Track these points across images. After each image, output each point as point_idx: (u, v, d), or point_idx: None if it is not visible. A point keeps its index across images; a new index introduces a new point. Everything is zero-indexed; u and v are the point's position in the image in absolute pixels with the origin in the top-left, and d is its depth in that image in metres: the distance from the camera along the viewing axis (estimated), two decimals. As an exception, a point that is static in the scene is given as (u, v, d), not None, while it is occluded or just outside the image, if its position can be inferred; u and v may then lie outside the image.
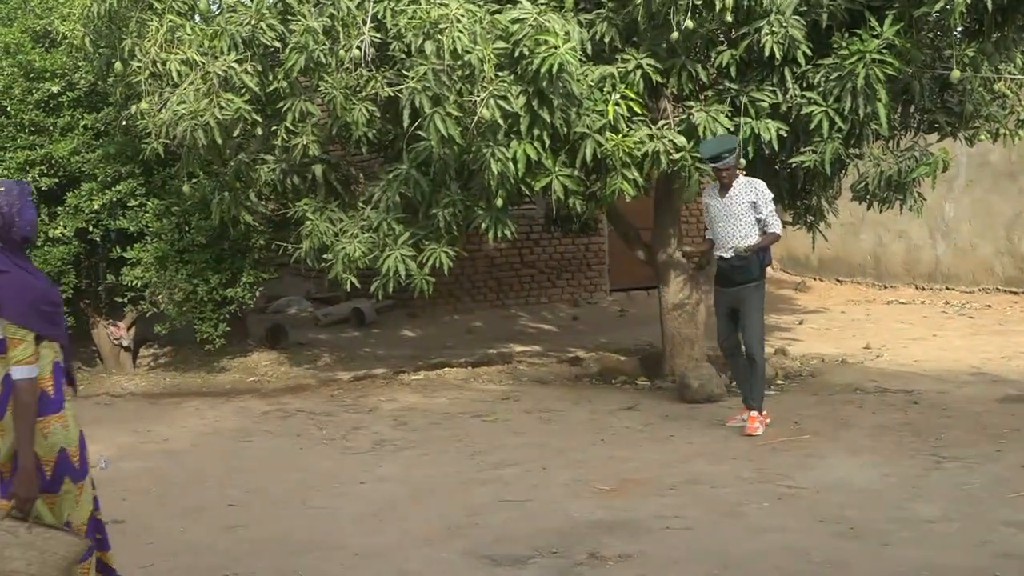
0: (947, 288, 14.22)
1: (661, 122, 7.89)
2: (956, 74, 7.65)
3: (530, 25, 7.20)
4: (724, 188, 7.28)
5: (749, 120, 7.70)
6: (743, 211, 7.24)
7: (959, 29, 7.97)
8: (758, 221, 7.24)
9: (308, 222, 8.38)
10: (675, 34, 7.38)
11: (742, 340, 7.42)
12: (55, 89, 10.13)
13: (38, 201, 10.11)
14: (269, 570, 4.99)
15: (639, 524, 5.41)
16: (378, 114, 7.83)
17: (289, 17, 7.75)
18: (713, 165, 7.21)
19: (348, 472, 6.69)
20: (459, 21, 7.05)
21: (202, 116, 7.73)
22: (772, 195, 7.38)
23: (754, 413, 7.31)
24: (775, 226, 7.26)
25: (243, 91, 7.86)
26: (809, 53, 7.51)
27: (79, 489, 3.82)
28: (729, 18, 7.35)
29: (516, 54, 7.27)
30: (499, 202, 7.82)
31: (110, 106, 10.06)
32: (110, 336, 10.76)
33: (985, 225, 13.79)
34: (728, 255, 7.29)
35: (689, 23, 7.27)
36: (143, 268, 10.02)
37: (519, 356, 10.65)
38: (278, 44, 7.85)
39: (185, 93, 7.78)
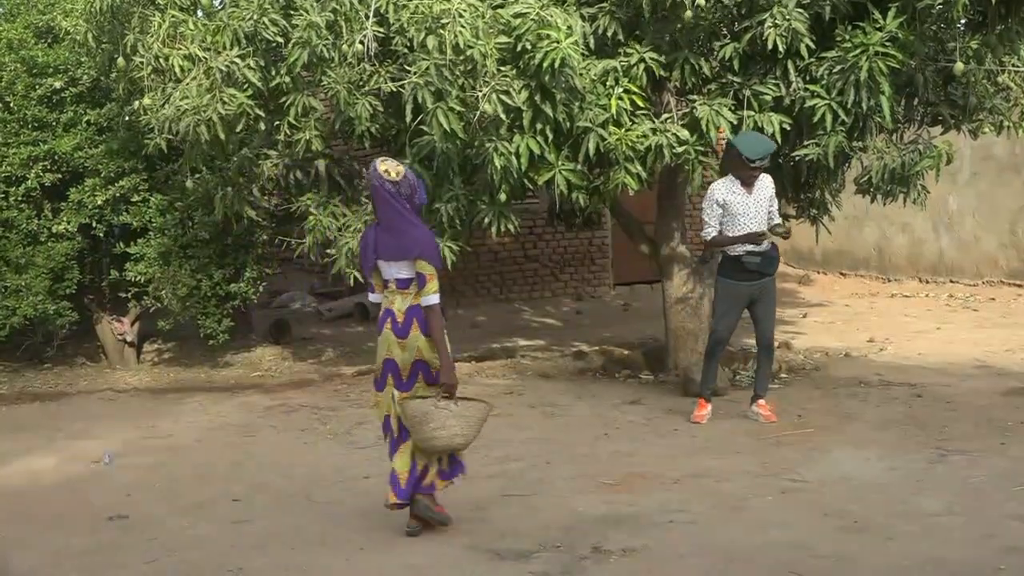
0: (951, 281, 14.20)
1: (664, 116, 7.88)
2: (960, 67, 7.63)
3: (532, 19, 7.19)
4: (749, 185, 7.23)
5: (752, 113, 7.68)
6: (767, 206, 7.27)
7: (962, 21, 7.94)
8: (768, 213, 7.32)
9: (311, 217, 8.37)
10: (688, 12, 7.32)
11: (762, 331, 7.43)
12: (58, 85, 10.12)
13: (40, 197, 10.13)
14: (274, 565, 4.99)
15: (643, 518, 5.41)
16: (381, 109, 7.82)
17: (291, 12, 7.74)
18: (754, 165, 7.13)
19: (352, 467, 6.70)
20: (461, 16, 7.03)
21: (205, 111, 7.72)
22: None
23: (763, 401, 7.41)
24: (778, 216, 7.44)
25: (246, 86, 7.85)
26: (812, 46, 7.49)
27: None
28: None
29: (518, 48, 7.26)
30: (502, 196, 7.81)
31: (113, 102, 10.06)
32: (114, 331, 10.77)
33: (989, 218, 13.77)
34: (761, 249, 7.23)
35: (701, 1, 7.24)
36: (146, 263, 10.02)
37: (523, 350, 10.65)
38: (281, 39, 7.84)
39: (188, 88, 7.78)
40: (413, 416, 5.02)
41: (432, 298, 5.03)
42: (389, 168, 5.11)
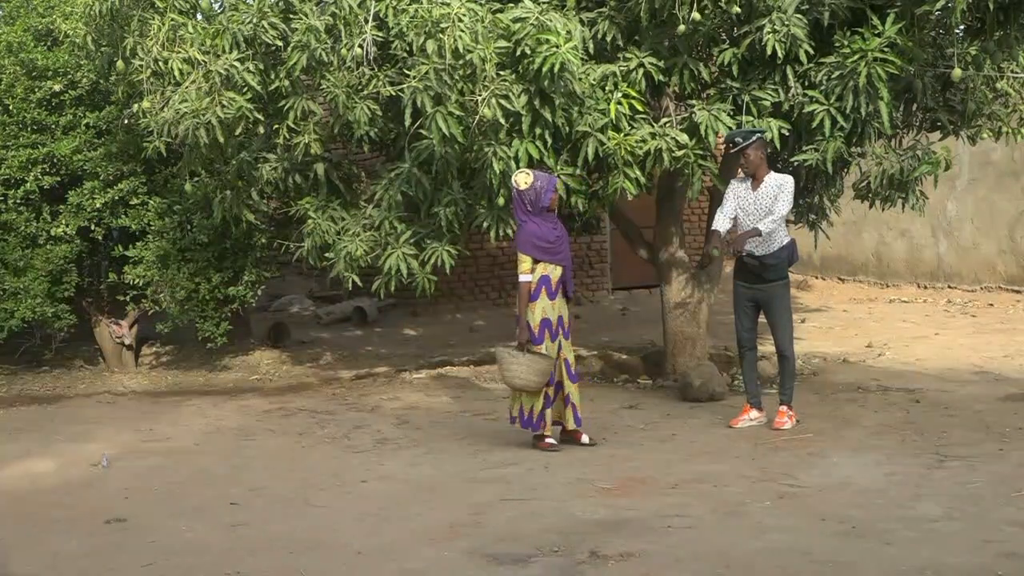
0: (949, 287, 14.22)
1: (663, 120, 7.89)
2: (958, 72, 7.65)
3: (532, 24, 7.20)
4: (755, 181, 7.23)
5: (751, 119, 7.70)
6: (767, 204, 7.17)
7: (961, 27, 7.96)
8: None
9: (310, 220, 8.38)
10: (681, 27, 7.35)
11: (775, 339, 7.45)
12: (57, 88, 10.12)
13: (39, 200, 10.13)
14: (271, 569, 4.99)
15: (641, 523, 5.41)
16: (380, 113, 7.82)
17: (291, 16, 7.75)
18: (732, 150, 7.22)
19: (350, 471, 6.70)
20: (461, 20, 7.04)
21: (204, 115, 7.73)
22: (792, 196, 7.20)
23: (784, 408, 7.39)
24: (768, 222, 7.06)
25: (245, 90, 7.86)
26: (811, 52, 7.51)
27: (558, 343, 6.87)
28: (737, 8, 7.34)
29: (518, 53, 7.27)
30: (501, 201, 7.82)
31: (112, 105, 10.07)
32: (112, 334, 10.76)
33: (988, 223, 13.78)
34: (758, 252, 7.21)
35: (696, 15, 7.26)
36: (145, 266, 10.02)
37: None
38: (280, 43, 7.84)
39: (187, 92, 7.78)
40: (497, 361, 6.86)
41: (521, 277, 6.80)
42: (518, 179, 6.80)
